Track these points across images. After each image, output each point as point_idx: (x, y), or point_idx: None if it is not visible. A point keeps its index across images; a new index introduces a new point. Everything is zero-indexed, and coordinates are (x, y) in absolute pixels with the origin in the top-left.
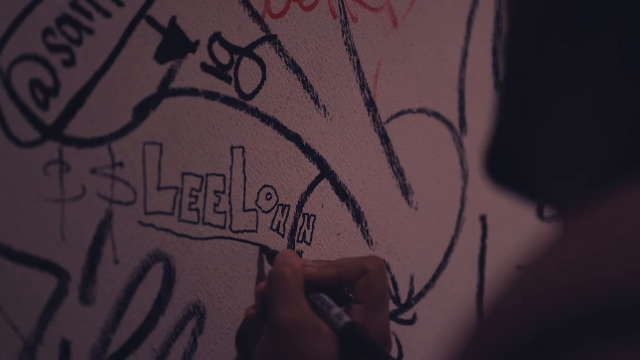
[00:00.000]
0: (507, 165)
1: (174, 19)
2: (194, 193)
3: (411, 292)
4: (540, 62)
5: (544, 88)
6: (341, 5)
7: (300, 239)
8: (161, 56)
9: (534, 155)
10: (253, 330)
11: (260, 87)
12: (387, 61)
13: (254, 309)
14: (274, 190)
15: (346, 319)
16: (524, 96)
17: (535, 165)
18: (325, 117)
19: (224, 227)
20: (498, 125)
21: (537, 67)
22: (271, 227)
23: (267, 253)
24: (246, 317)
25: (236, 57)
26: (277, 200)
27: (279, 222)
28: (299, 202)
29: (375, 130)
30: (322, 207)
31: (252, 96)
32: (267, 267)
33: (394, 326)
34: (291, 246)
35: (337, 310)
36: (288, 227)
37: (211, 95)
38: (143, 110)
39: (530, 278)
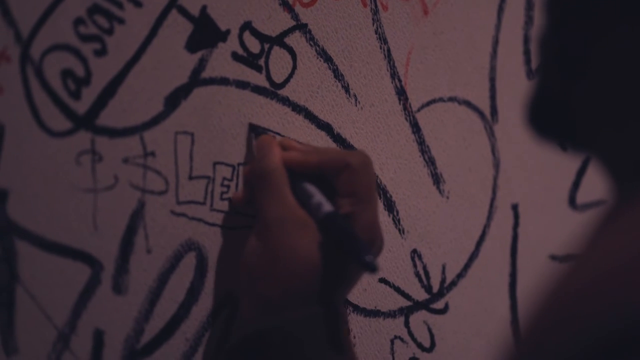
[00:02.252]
0: (550, 114)
1: (204, 8)
2: (226, 182)
3: (443, 281)
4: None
5: (589, 33)
6: None
7: None
8: (192, 45)
9: (579, 104)
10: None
11: (290, 76)
12: (418, 49)
13: (242, 192)
14: None
15: (325, 208)
16: (565, 44)
17: (580, 114)
18: (356, 105)
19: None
20: (541, 74)
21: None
22: None
23: (255, 131)
24: (234, 200)
25: (267, 46)
26: None
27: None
28: None
29: (406, 119)
30: None
31: (282, 85)
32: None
33: (425, 315)
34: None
35: (317, 199)
36: None
37: (242, 85)
38: (174, 100)
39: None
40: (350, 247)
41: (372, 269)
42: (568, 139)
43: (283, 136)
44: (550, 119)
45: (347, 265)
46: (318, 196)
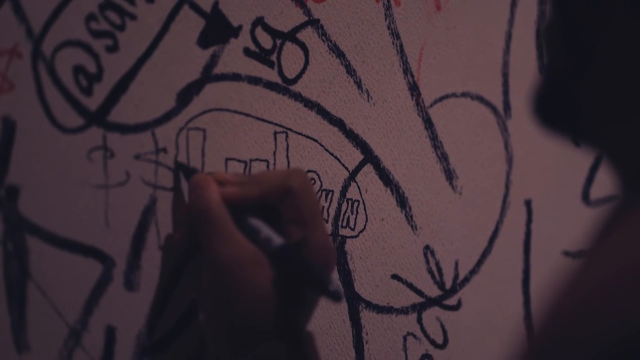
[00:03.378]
0: (558, 108)
1: (216, 3)
2: None
3: (456, 277)
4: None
5: (594, 25)
6: None
7: (344, 224)
8: (204, 41)
9: (587, 98)
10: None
11: (302, 71)
12: (430, 45)
13: (181, 234)
14: (318, 175)
15: (276, 242)
16: (572, 36)
17: (587, 109)
18: (369, 101)
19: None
20: (547, 66)
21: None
22: None
23: (184, 170)
24: (173, 242)
25: (279, 42)
26: (321, 185)
27: (323, 207)
28: (342, 187)
29: (419, 115)
30: (366, 192)
31: (294, 81)
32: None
33: (438, 311)
34: (335, 232)
35: (264, 233)
36: (332, 212)
37: (254, 80)
38: (186, 96)
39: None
40: (310, 279)
41: (337, 298)
42: (576, 133)
43: (212, 172)
44: (557, 112)
45: (304, 295)
46: (265, 230)
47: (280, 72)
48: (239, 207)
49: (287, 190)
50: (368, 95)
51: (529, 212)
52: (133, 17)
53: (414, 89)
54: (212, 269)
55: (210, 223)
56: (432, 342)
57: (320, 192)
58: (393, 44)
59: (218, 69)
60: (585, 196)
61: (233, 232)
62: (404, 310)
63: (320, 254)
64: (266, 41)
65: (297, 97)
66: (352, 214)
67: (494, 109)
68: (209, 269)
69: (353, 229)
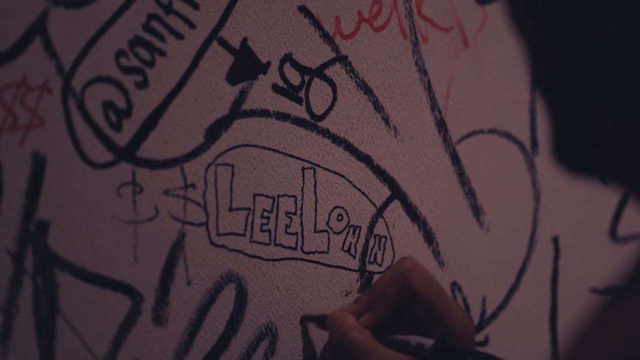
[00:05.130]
0: (577, 151)
1: (245, 40)
2: (266, 214)
3: (483, 313)
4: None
5: (600, 69)
6: (411, 25)
7: (372, 260)
8: (232, 77)
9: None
10: None
11: (330, 107)
12: (458, 81)
13: None
14: (345, 211)
15: (427, 343)
16: (578, 83)
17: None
18: (396, 137)
19: (295, 248)
20: (559, 114)
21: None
22: (342, 248)
23: (314, 321)
24: None
25: (307, 78)
26: (348, 221)
27: (350, 243)
28: (369, 223)
29: (446, 151)
30: (393, 227)
31: (322, 117)
32: (314, 331)
33: None
34: (362, 267)
35: (414, 341)
36: (359, 248)
37: (282, 116)
38: (215, 132)
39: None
40: None
41: None
42: (598, 174)
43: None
44: (576, 156)
45: None
46: (413, 338)
47: (308, 108)
48: (377, 329)
49: (411, 294)
50: (395, 132)
51: (556, 249)
52: (162, 53)
53: (441, 125)
54: None
55: (360, 350)
56: None
57: (347, 228)
58: (421, 80)
59: (246, 105)
60: (613, 233)
61: (384, 351)
62: None
63: (465, 334)
64: (294, 77)
65: (325, 133)
66: (379, 249)
67: (521, 146)
68: None
69: (380, 265)
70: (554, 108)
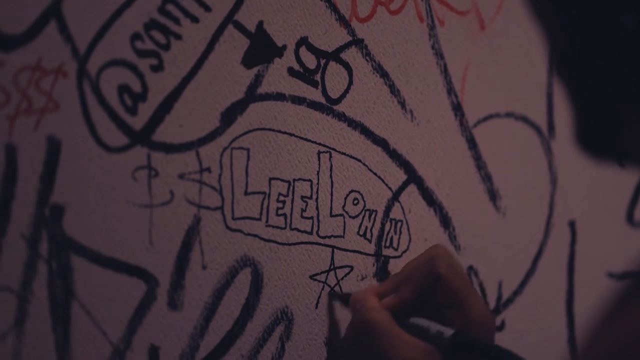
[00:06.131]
0: (600, 137)
1: (260, 23)
2: (281, 198)
3: (499, 298)
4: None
5: (622, 57)
6: (428, 8)
7: (387, 244)
8: (248, 61)
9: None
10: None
11: (346, 91)
12: (474, 65)
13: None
14: (361, 195)
15: (447, 332)
16: (599, 71)
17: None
18: (412, 121)
19: (310, 232)
20: (580, 101)
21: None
22: (358, 233)
23: (340, 299)
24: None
25: (323, 62)
26: (364, 206)
27: (366, 227)
28: (385, 207)
29: (462, 135)
30: (409, 212)
31: (338, 100)
32: (338, 308)
33: None
34: (378, 252)
35: (433, 328)
36: (375, 233)
37: (298, 100)
38: (230, 115)
39: None
40: (497, 358)
41: None
42: (619, 154)
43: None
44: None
45: None
46: (433, 325)
47: (324, 92)
48: (399, 312)
49: (436, 278)
50: (412, 115)
51: (573, 233)
52: (178, 36)
53: (457, 109)
54: None
55: (378, 332)
56: None
57: (363, 212)
58: (437, 64)
59: (262, 89)
60: (630, 217)
61: (402, 335)
62: None
63: (484, 327)
64: (310, 61)
65: (341, 116)
66: (395, 234)
67: (538, 129)
68: None
69: (396, 249)
70: (575, 95)
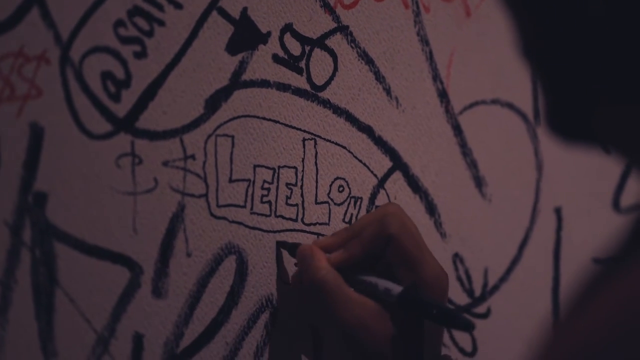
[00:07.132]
0: (570, 120)
1: (245, 9)
2: (266, 185)
3: (485, 285)
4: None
5: (590, 44)
6: None
7: None
8: (232, 47)
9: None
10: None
11: (331, 78)
12: (460, 51)
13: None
14: (346, 182)
15: (395, 290)
16: (567, 56)
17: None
18: (398, 108)
19: (295, 220)
20: (547, 83)
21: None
22: (343, 220)
23: (286, 248)
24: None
25: (307, 48)
26: (349, 193)
27: (351, 214)
28: (371, 194)
29: (448, 122)
30: (395, 199)
31: (323, 87)
32: (288, 259)
33: None
34: None
35: (382, 285)
36: None
37: (282, 87)
38: (214, 102)
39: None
40: (439, 317)
41: (471, 327)
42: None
43: (315, 241)
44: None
45: (431, 332)
46: (381, 282)
47: (309, 79)
48: (348, 268)
49: (387, 238)
50: (397, 102)
51: (559, 220)
52: (161, 23)
53: (443, 95)
54: (342, 336)
55: (325, 291)
56: (461, 350)
57: (348, 200)
58: (422, 50)
59: (246, 76)
60: (616, 203)
61: (350, 294)
62: None
63: (437, 286)
64: (295, 47)
65: (326, 103)
66: None
67: (523, 116)
68: (338, 337)
69: None
70: (542, 77)
